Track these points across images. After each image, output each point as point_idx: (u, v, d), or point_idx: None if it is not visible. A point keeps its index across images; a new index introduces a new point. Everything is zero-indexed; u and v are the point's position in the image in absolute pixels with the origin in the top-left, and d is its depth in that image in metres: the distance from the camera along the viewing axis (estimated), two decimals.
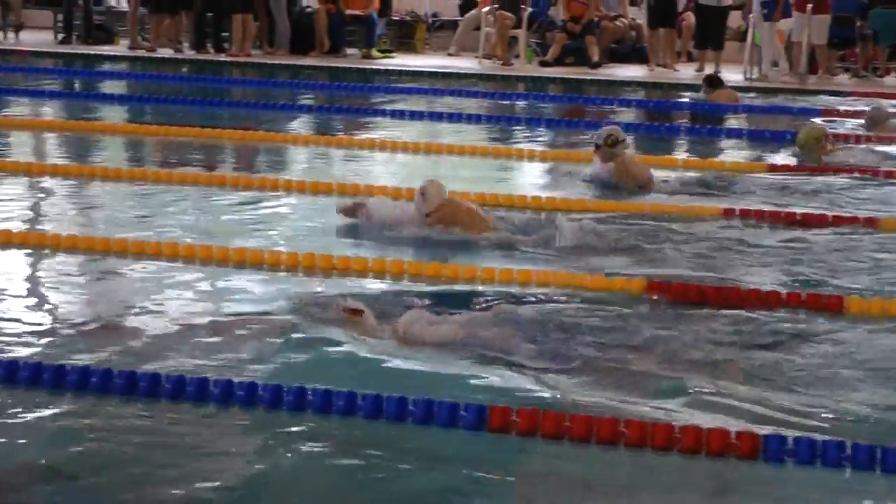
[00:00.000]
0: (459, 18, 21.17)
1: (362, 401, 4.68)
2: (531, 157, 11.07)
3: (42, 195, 8.82)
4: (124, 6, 20.95)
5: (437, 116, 13.62)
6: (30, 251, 7.01)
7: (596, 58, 18.85)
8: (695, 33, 19.15)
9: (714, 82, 15.12)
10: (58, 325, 5.73)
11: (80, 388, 4.80)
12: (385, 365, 5.24)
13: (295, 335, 5.54)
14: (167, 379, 4.81)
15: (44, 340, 5.43)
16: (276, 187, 8.92)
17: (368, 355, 5.29)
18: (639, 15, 20.21)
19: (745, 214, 8.31)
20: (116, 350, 5.30)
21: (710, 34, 18.39)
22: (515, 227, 7.67)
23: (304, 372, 5.09)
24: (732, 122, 14.11)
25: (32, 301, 6.16)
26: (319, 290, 6.35)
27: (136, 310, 5.92)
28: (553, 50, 19.18)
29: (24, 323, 5.68)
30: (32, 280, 6.63)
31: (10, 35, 20.39)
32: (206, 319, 5.79)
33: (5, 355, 5.11)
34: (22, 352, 5.22)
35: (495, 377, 5.12)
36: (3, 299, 6.05)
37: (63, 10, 20.24)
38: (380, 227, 7.53)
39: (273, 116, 13.59)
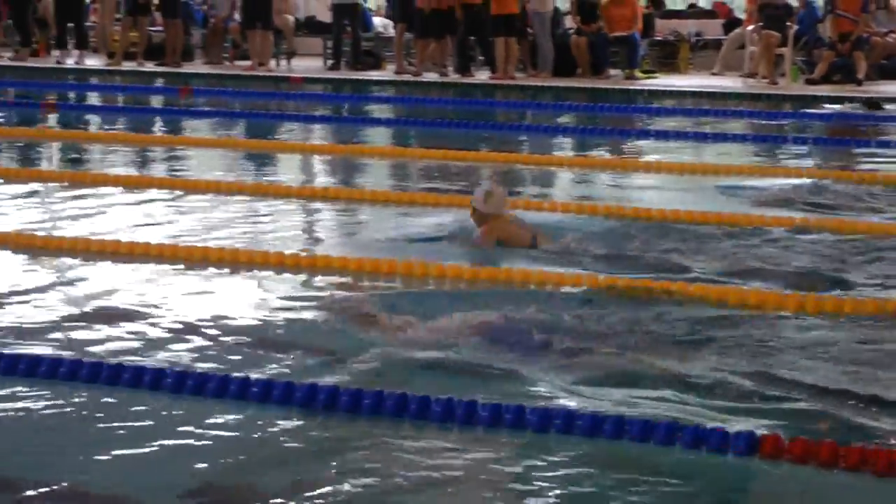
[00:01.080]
0: (723, 37, 20.87)
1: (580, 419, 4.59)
2: (798, 176, 10.78)
3: (315, 218, 9.04)
4: (391, 32, 21.42)
5: (701, 136, 13.42)
6: (320, 275, 7.12)
7: (862, 74, 18.24)
8: None
9: None
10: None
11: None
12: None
13: None
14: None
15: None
16: (540, 209, 8.91)
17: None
18: None
19: None
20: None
21: None
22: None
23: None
24: None
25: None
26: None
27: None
28: (820, 67, 18.65)
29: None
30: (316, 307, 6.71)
31: (283, 62, 21.12)
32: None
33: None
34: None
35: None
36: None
37: (332, 37, 20.84)
38: None
39: (536, 138, 13.66)
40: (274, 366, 5.30)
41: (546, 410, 4.65)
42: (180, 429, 4.64)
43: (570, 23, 20.53)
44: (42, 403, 4.86)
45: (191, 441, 4.52)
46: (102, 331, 5.86)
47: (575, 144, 13.54)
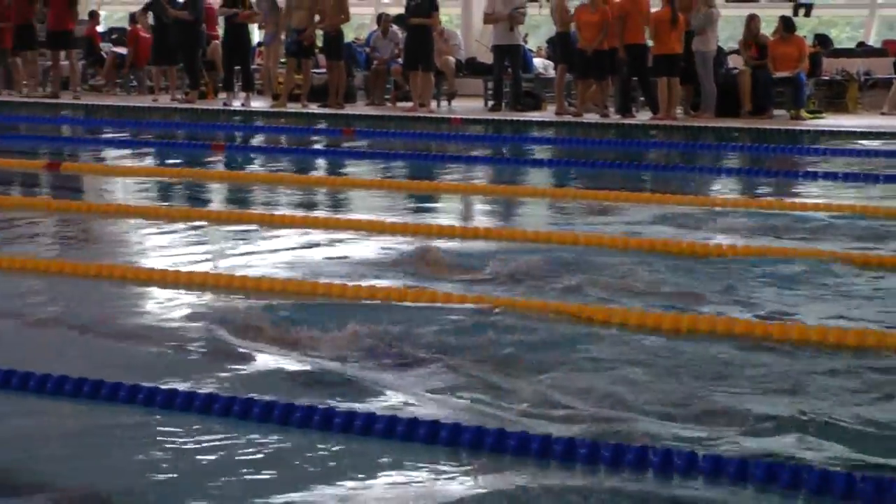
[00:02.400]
0: (894, 76, 20.38)
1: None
2: None
3: (476, 257, 9.01)
4: (552, 73, 21.43)
5: (872, 178, 13.08)
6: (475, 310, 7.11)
7: None
8: None
9: None
10: None
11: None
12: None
13: None
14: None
15: None
16: (705, 253, 8.76)
17: None
18: None
19: None
20: None
21: None
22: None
23: None
24: None
25: None
26: None
27: None
28: None
29: None
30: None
31: (444, 103, 21.27)
32: None
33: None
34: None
35: None
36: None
37: (493, 78, 20.93)
38: None
39: (698, 179, 13.49)
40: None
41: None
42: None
43: (733, 62, 20.29)
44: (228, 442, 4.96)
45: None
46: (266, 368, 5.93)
47: (738, 185, 13.33)
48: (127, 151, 16.27)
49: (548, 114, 20.27)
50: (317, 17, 20.84)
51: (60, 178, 13.47)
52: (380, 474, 4.65)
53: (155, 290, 7.70)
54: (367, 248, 9.10)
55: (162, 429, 5.09)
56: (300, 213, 11.05)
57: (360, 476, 4.59)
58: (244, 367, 5.97)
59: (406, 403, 5.36)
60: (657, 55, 18.73)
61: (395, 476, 4.63)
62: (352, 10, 21.48)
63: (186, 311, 7.07)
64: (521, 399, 5.39)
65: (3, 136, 17.98)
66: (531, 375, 5.71)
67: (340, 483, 4.53)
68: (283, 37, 21.33)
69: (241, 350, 6.18)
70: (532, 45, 23.00)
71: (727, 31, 20.29)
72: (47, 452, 4.87)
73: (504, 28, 20.26)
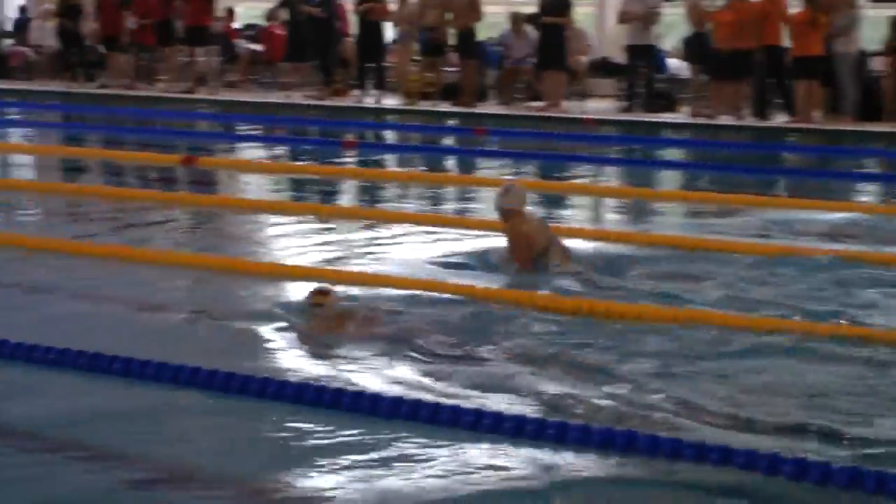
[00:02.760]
0: None
1: None
2: None
3: (607, 260, 8.91)
4: (686, 73, 21.16)
5: None
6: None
7: None
8: None
9: None
10: None
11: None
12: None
13: None
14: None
15: None
16: (849, 258, 8.53)
17: None
18: None
19: None
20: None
21: None
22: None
23: None
24: None
25: None
26: None
27: None
28: None
29: None
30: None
31: (576, 103, 21.13)
32: None
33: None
34: None
35: None
36: None
37: (626, 78, 20.74)
38: None
39: (837, 184, 13.19)
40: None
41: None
42: None
43: (876, 64, 19.80)
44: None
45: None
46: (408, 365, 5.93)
47: (879, 191, 13.01)
48: (260, 147, 16.45)
49: (681, 115, 20.01)
50: (449, 16, 20.86)
51: (195, 172, 13.66)
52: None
53: (281, 284, 7.75)
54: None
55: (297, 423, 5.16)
56: (429, 210, 11.05)
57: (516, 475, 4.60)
58: (371, 361, 5.98)
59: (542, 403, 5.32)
60: (797, 57, 18.35)
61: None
62: (485, 8, 21.45)
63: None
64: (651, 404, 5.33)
65: (141, 130, 18.30)
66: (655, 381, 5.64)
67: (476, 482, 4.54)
68: (415, 35, 21.39)
69: (362, 345, 6.19)
70: (667, 45, 22.71)
71: (870, 32, 19.79)
72: (206, 446, 4.99)
73: (638, 28, 20.05)
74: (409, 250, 8.96)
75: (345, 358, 6.08)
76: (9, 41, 26.68)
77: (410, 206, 11.33)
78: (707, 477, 4.56)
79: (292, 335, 6.45)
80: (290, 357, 6.15)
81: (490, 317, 6.75)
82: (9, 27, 27.86)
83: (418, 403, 5.20)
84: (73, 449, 4.86)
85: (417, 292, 7.30)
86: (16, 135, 18.17)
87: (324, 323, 6.48)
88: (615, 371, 5.80)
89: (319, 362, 6.06)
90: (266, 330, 6.53)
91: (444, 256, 8.62)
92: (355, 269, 8.13)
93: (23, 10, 27.16)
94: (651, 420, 5.10)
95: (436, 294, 7.32)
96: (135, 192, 12.03)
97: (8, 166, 14.78)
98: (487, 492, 4.48)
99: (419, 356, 6.01)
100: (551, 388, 5.54)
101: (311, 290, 6.76)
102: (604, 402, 5.34)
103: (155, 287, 7.75)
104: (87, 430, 5.08)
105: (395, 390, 5.47)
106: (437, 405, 5.17)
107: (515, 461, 4.76)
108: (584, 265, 8.00)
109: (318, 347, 6.27)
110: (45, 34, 25.20)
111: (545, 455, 4.78)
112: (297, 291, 7.20)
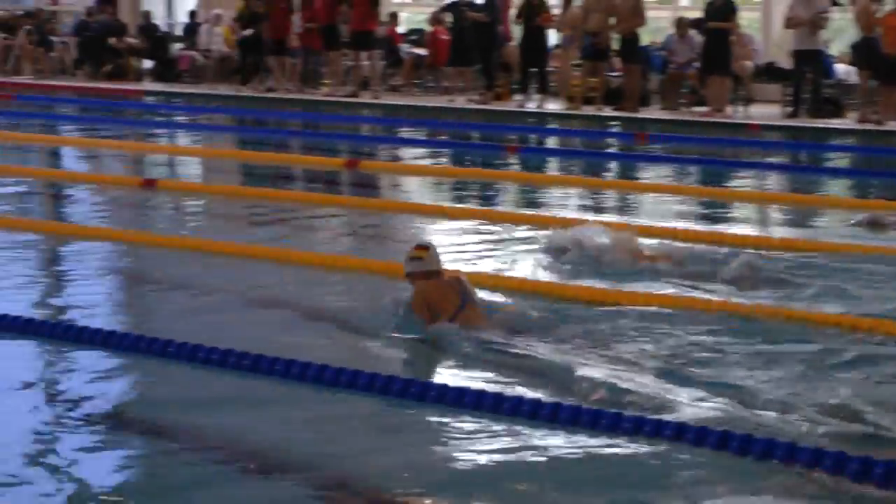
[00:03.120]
0: None
1: None
2: None
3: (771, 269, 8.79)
4: (854, 79, 20.74)
5: None
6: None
7: None
8: None
9: None
10: None
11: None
12: None
13: None
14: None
15: None
16: None
17: None
18: None
19: None
20: None
21: None
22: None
23: None
24: None
25: None
26: None
27: None
28: None
29: None
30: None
31: (740, 108, 20.86)
32: None
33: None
34: None
35: None
36: None
37: (792, 83, 20.40)
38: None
39: None
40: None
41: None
42: None
43: None
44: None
45: None
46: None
47: None
48: (422, 151, 16.61)
49: (848, 121, 19.61)
50: (613, 20, 20.78)
51: (358, 175, 13.86)
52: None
53: None
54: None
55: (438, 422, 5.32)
56: (590, 215, 11.04)
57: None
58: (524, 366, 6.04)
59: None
60: None
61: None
62: (649, 13, 21.32)
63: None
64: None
65: (306, 133, 18.62)
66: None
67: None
68: (579, 39, 21.36)
69: (512, 350, 6.24)
70: (834, 50, 22.28)
71: None
72: (305, 436, 5.17)
73: (805, 32, 19.70)
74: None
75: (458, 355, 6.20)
76: (178, 45, 27.40)
77: (572, 211, 11.32)
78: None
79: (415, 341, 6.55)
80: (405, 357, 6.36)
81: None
82: (178, 31, 28.64)
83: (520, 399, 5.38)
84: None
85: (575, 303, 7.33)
86: (184, 137, 18.68)
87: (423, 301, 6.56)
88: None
89: (449, 366, 6.16)
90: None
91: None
92: (514, 274, 8.17)
93: (192, 14, 27.86)
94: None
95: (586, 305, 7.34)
96: (298, 194, 12.27)
97: (176, 167, 15.20)
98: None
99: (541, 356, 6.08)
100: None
101: (414, 245, 6.95)
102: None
103: (311, 287, 7.91)
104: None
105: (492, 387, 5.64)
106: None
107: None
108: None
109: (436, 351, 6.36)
110: (214, 38, 25.83)
111: None
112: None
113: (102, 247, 9.21)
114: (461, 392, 5.47)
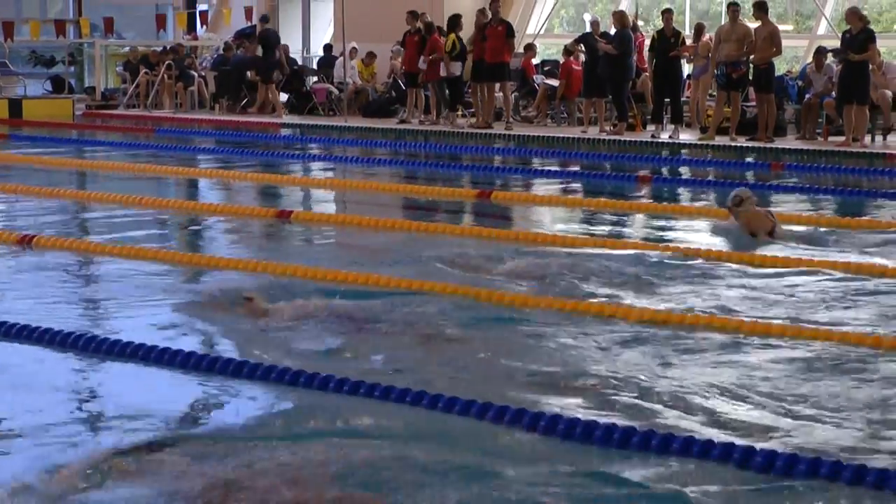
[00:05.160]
0: None
1: None
2: None
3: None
4: None
5: None
6: None
7: None
8: None
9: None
10: None
11: None
12: None
13: None
14: None
15: None
16: None
17: None
18: None
19: None
20: None
21: None
22: None
23: None
24: None
25: None
26: None
27: None
28: None
29: None
30: None
31: (879, 138, 20.46)
32: None
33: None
34: None
35: None
36: None
37: None
38: None
39: None
40: None
41: None
42: None
43: None
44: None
45: None
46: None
47: None
48: (555, 182, 16.58)
49: None
50: (747, 49, 20.54)
51: (490, 206, 13.87)
52: None
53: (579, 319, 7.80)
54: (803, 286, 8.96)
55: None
56: (723, 245, 10.92)
57: None
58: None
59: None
60: None
61: None
62: (785, 42, 21.04)
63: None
64: None
65: (439, 164, 18.71)
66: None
67: None
68: (713, 69, 21.17)
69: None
70: None
71: None
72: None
73: None
74: (728, 290, 8.92)
75: None
76: (314, 78, 27.78)
77: (706, 242, 11.19)
78: None
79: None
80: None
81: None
82: (313, 65, 29.02)
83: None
84: None
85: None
86: (317, 169, 18.91)
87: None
88: None
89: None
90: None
91: (743, 300, 8.53)
92: (656, 306, 8.13)
93: (328, 48, 28.24)
94: None
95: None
96: (426, 224, 12.23)
97: (308, 200, 15.38)
98: None
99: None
100: None
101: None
102: None
103: (435, 317, 7.93)
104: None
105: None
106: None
107: None
108: None
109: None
110: (349, 71, 26.14)
111: None
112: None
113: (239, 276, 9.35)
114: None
